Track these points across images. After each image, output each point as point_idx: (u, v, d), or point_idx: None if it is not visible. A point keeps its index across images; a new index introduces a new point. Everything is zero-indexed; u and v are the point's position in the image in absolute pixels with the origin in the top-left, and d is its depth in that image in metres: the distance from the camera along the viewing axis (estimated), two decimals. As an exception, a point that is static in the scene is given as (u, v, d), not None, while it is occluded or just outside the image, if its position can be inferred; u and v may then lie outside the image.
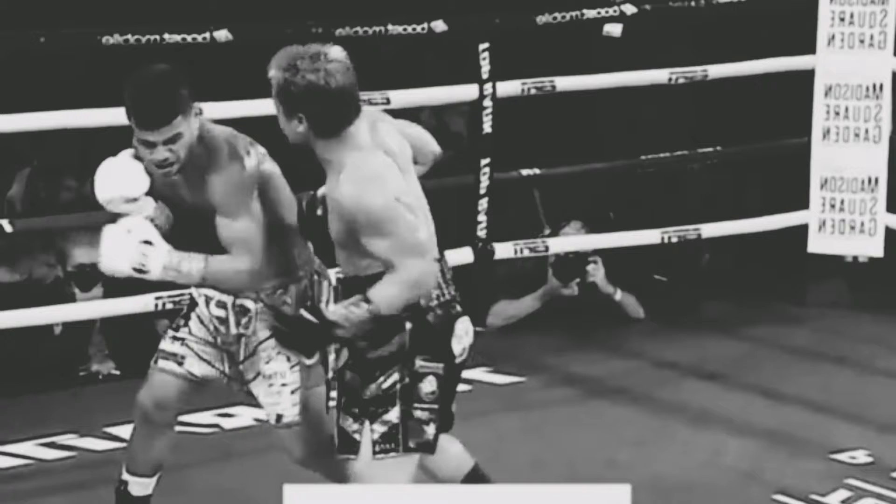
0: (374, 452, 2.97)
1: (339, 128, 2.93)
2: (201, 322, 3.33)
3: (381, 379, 2.96)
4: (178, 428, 4.16)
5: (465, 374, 4.77)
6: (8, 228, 4.44)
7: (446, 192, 5.54)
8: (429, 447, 3.01)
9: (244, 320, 3.27)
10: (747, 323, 5.43)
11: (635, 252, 5.43)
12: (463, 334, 3.03)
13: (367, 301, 2.90)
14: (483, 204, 5.17)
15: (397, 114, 3.22)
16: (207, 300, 3.30)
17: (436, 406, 2.98)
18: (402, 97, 5.00)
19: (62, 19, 5.13)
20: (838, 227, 5.41)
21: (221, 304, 3.29)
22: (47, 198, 5.45)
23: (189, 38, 4.53)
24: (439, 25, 4.93)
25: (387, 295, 2.90)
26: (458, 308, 3.02)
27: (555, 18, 5.10)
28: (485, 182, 5.14)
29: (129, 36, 4.44)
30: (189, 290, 3.37)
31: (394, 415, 2.95)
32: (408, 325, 2.95)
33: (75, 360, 4.86)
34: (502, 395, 4.74)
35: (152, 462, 3.39)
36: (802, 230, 5.46)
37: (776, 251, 5.71)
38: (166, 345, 3.34)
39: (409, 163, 3.05)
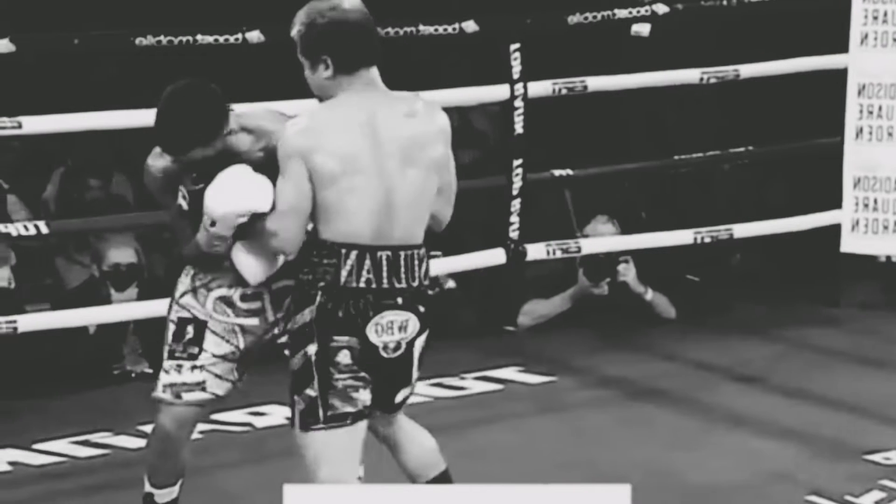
0: (300, 425, 3.02)
1: (358, 64, 3.00)
2: (219, 336, 3.29)
3: (301, 352, 3.00)
4: (210, 427, 4.20)
5: (497, 373, 4.91)
6: (45, 230, 4.46)
7: (477, 193, 5.57)
8: (361, 414, 3.02)
9: (286, 301, 3.24)
10: (780, 324, 5.40)
11: (666, 252, 5.41)
12: (391, 327, 3.00)
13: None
14: (515, 205, 5.17)
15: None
16: (228, 303, 3.28)
17: (361, 374, 2.99)
18: (433, 98, 4.99)
19: (95, 21, 5.16)
20: (871, 226, 5.36)
21: (256, 296, 3.27)
22: (78, 198, 5.49)
23: (221, 40, 4.55)
24: (470, 26, 4.93)
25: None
26: (398, 301, 3.00)
27: (586, 18, 5.10)
28: (517, 183, 5.14)
29: (161, 37, 4.46)
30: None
31: (313, 388, 2.99)
32: (318, 297, 2.98)
33: (109, 358, 4.89)
34: (534, 394, 4.74)
35: (175, 473, 3.39)
36: (835, 230, 5.43)
37: (808, 251, 5.68)
38: (185, 377, 3.27)
39: (405, 154, 3.00)
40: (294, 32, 3.04)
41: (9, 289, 4.94)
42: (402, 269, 3.00)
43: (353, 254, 2.97)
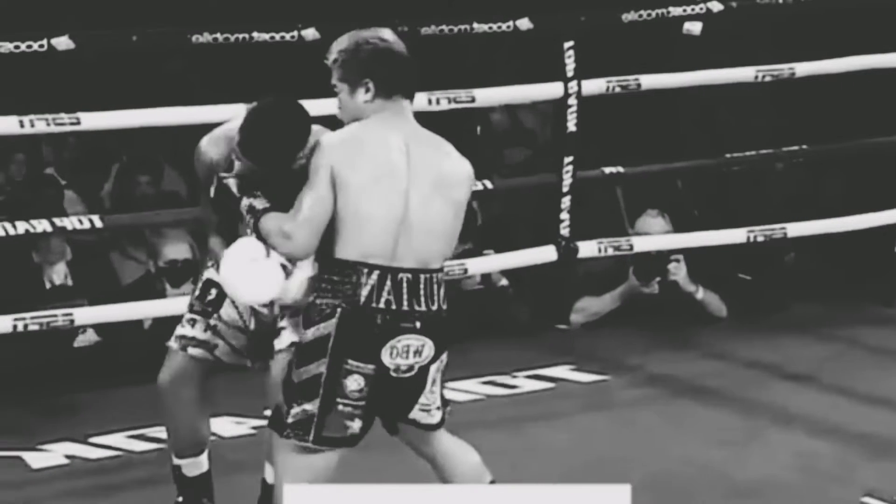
0: (285, 435, 3.00)
1: (398, 89, 3.04)
2: (235, 308, 3.32)
3: (309, 367, 2.98)
4: (262, 422, 4.21)
5: (549, 371, 4.90)
6: (98, 224, 4.51)
7: (527, 191, 5.57)
8: (350, 441, 3.02)
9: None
10: (834, 323, 5.35)
11: (718, 251, 5.39)
12: (406, 351, 2.99)
13: (266, 210, 3.00)
14: (566, 202, 5.16)
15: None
16: None
17: (362, 403, 2.99)
18: (487, 95, 5.01)
19: (153, 19, 5.21)
20: (928, 226, 5.31)
21: None
22: (129, 194, 5.53)
23: (277, 37, 4.57)
24: (525, 23, 4.93)
25: (269, 221, 2.99)
26: (416, 325, 2.99)
27: (640, 16, 5.08)
28: (568, 180, 5.14)
29: (217, 34, 4.49)
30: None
31: (313, 405, 2.98)
32: (338, 314, 2.96)
33: (164, 353, 4.90)
34: (585, 393, 4.73)
35: (193, 442, 3.41)
36: (891, 229, 5.39)
37: (864, 251, 5.63)
38: (197, 332, 3.33)
39: (432, 185, 3.01)
40: (332, 59, 3.06)
41: (65, 285, 5.00)
42: (422, 292, 3.00)
43: (375, 273, 2.97)
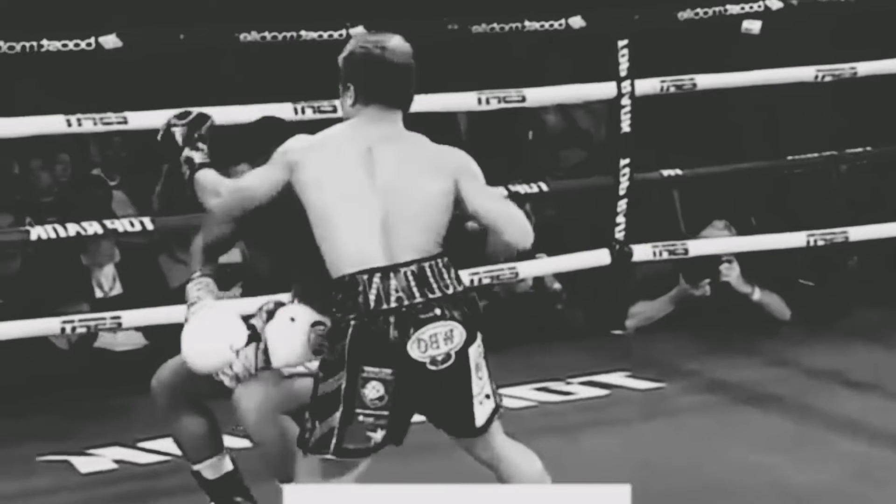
0: (308, 451, 2.96)
1: (375, 99, 3.01)
2: (254, 349, 3.26)
3: (330, 381, 2.94)
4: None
5: (604, 378, 4.82)
6: (150, 226, 4.49)
7: (582, 193, 5.50)
8: (371, 451, 2.96)
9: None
10: (897, 329, 5.26)
11: (779, 255, 5.29)
12: (435, 340, 2.91)
13: (203, 165, 3.16)
14: (622, 205, 5.08)
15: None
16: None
17: (385, 412, 2.93)
18: (538, 95, 4.94)
19: (201, 17, 5.19)
20: None
21: None
22: (179, 195, 5.51)
23: (325, 36, 4.54)
24: (577, 21, 4.86)
25: (209, 175, 3.14)
26: (437, 313, 2.92)
27: (696, 14, 5.00)
28: (624, 183, 5.06)
29: (265, 33, 4.47)
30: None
31: (334, 418, 2.93)
32: (351, 326, 2.92)
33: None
34: (643, 400, 4.65)
35: (200, 443, 3.38)
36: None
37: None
38: None
39: (411, 180, 2.97)
40: (340, 59, 3.08)
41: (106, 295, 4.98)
42: (432, 280, 2.94)
43: (377, 276, 2.92)
